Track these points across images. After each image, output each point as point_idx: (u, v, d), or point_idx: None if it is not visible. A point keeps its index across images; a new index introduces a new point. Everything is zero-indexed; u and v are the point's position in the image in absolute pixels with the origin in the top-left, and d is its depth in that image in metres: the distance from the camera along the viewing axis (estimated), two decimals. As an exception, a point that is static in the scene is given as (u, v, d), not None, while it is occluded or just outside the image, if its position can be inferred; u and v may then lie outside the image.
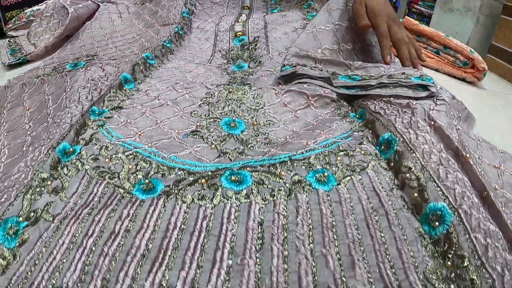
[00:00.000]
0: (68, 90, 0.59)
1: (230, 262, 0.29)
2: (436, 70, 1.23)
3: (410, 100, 0.54)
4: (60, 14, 1.19)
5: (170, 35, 0.85)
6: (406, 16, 1.29)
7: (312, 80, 0.62)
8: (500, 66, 1.52)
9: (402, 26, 1.14)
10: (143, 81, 0.66)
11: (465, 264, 0.31)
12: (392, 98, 0.57)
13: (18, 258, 0.32)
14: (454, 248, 0.32)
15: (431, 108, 0.52)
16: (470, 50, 1.17)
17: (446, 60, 1.21)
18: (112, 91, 0.60)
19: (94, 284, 0.28)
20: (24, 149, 0.50)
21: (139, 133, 0.48)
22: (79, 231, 0.33)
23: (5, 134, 0.57)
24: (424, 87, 0.55)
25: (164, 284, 0.27)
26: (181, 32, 0.90)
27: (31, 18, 1.37)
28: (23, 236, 0.34)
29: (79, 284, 0.28)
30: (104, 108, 0.55)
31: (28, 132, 0.55)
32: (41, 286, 0.29)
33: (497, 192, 0.47)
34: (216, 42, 0.87)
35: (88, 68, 0.66)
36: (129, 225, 0.32)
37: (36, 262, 0.31)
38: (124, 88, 0.62)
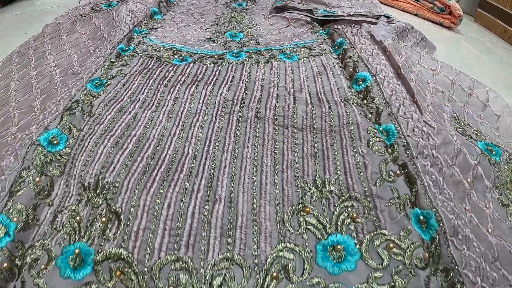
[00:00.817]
0: (116, 17, 0.83)
1: (230, 83, 0.55)
2: (416, 15, 1.42)
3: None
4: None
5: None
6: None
7: (298, 11, 0.86)
8: (488, 19, 1.67)
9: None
10: (166, 13, 0.90)
11: (375, 101, 0.55)
12: (353, 24, 0.80)
13: (106, 91, 0.57)
14: (369, 94, 0.57)
15: (372, 25, 0.76)
16: (448, -3, 1.36)
17: (425, 6, 1.40)
18: (145, 19, 0.84)
19: (155, 97, 0.54)
20: (91, 52, 0.75)
21: (172, 40, 0.73)
22: (143, 78, 0.58)
23: (70, 48, 0.82)
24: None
25: (195, 92, 0.53)
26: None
27: None
28: (107, 83, 0.59)
29: (146, 99, 0.54)
30: (142, 29, 0.80)
31: (89, 45, 0.80)
32: (123, 100, 0.54)
33: (428, 84, 0.71)
34: None
35: (127, 3, 0.90)
36: (172, 73, 0.58)
37: (118, 91, 0.57)
38: (154, 18, 0.86)
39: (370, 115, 0.52)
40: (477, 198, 0.46)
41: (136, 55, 0.67)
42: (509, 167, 0.52)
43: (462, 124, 0.63)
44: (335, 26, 0.79)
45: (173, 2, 0.97)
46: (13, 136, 0.53)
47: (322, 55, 0.67)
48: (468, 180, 0.47)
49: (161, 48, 0.70)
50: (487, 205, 0.46)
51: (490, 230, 0.42)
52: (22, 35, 1.06)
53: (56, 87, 0.65)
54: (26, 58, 0.82)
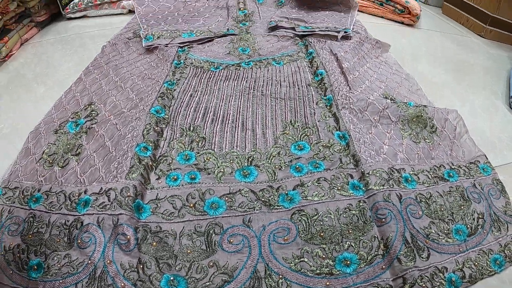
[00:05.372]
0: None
1: (246, 79, 1.20)
2: (382, 17, 2.06)
3: (328, 38, 1.43)
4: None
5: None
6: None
7: (286, 29, 1.52)
8: (453, 11, 2.26)
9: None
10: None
11: (325, 85, 1.19)
12: (320, 39, 1.45)
13: (178, 87, 1.20)
14: (322, 81, 1.21)
15: (333, 42, 1.41)
16: (406, 1, 1.99)
17: (388, 9, 2.04)
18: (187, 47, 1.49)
19: (207, 88, 1.20)
20: (153, 65, 1.38)
21: (206, 54, 1.39)
22: (197, 79, 1.25)
23: (134, 62, 1.44)
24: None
25: (228, 84, 1.19)
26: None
27: (90, 4, 2.15)
28: (177, 83, 1.23)
29: (202, 89, 1.19)
30: (184, 48, 1.45)
31: (150, 61, 1.42)
32: (190, 90, 1.19)
33: (367, 78, 1.33)
34: (229, 13, 1.76)
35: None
36: (213, 75, 1.24)
37: (185, 86, 1.21)
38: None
39: (320, 91, 1.16)
40: (381, 128, 1.06)
41: (187, 66, 1.32)
42: (415, 110, 1.09)
43: (391, 97, 1.21)
44: (309, 40, 1.45)
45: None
46: (129, 111, 1.10)
47: (298, 60, 1.32)
48: (375, 118, 1.08)
49: (201, 61, 1.35)
50: (388, 131, 1.05)
51: (385, 142, 1.01)
52: (67, 57, 1.65)
53: (140, 87, 1.22)
54: (103, 70, 1.39)
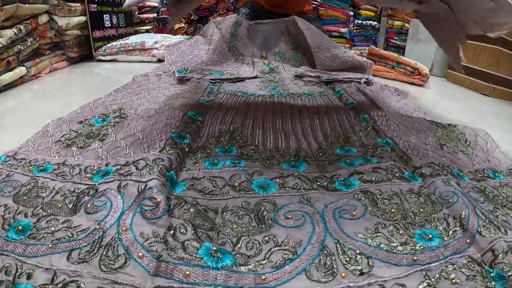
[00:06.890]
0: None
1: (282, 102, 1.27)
2: (394, 79, 2.23)
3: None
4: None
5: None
6: (371, 46, 2.33)
7: (311, 77, 1.66)
8: (457, 77, 2.46)
9: (369, 52, 2.23)
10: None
11: (357, 109, 1.27)
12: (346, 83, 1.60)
13: (213, 103, 1.28)
14: (355, 107, 1.29)
15: (358, 83, 1.56)
16: (415, 62, 2.17)
17: (400, 72, 2.22)
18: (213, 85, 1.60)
19: (244, 106, 1.26)
20: (186, 90, 1.45)
21: (237, 87, 1.49)
22: (232, 99, 1.35)
23: (168, 86, 1.48)
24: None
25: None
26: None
27: (122, 49, 2.30)
28: (211, 102, 1.31)
29: (238, 106, 1.25)
30: (216, 83, 1.56)
31: (181, 88, 1.48)
32: (226, 105, 1.27)
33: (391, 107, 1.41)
34: (255, 67, 1.96)
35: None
36: (248, 98, 1.32)
37: (221, 102, 1.30)
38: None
39: (355, 112, 1.22)
40: (420, 138, 1.07)
41: (221, 93, 1.42)
42: (447, 127, 1.16)
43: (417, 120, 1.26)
44: (335, 84, 1.59)
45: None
46: (163, 113, 1.08)
47: (327, 95, 1.45)
48: (412, 131, 1.11)
49: (233, 91, 1.46)
50: (427, 142, 1.07)
51: (427, 149, 1.02)
52: (96, 85, 1.70)
53: (174, 103, 1.21)
54: (134, 90, 1.39)
